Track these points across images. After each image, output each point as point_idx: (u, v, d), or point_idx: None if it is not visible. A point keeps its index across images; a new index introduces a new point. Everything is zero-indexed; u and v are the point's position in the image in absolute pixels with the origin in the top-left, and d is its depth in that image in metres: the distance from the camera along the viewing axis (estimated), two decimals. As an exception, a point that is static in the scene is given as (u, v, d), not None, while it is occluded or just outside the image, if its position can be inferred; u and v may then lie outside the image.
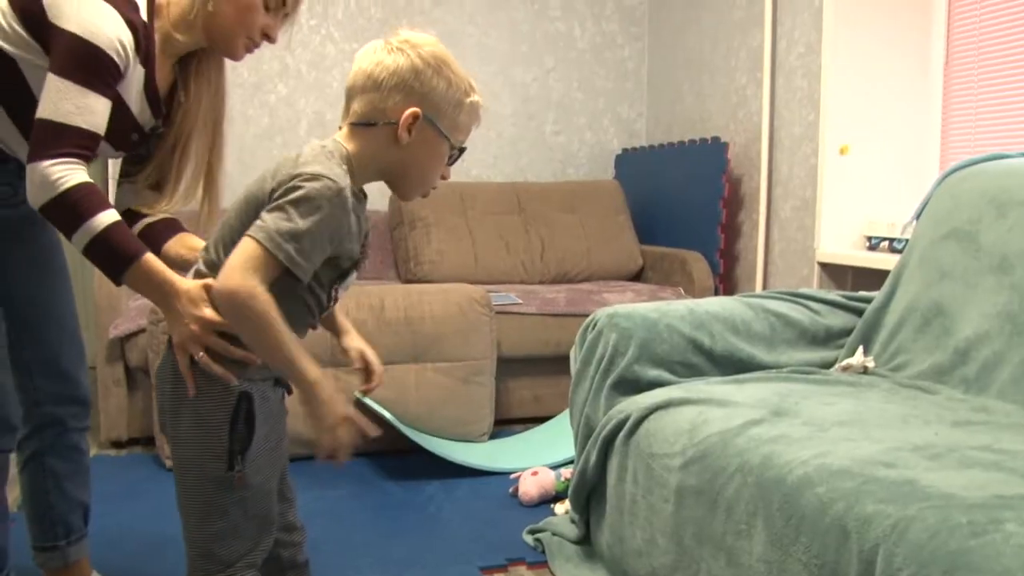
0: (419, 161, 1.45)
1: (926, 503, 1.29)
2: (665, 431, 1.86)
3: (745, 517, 1.57)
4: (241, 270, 1.28)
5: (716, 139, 3.97)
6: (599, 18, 4.83)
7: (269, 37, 1.65)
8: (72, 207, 1.42)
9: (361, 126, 1.41)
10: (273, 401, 1.47)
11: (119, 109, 1.57)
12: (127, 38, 1.51)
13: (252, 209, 1.36)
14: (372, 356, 1.61)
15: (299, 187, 1.30)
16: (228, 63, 1.76)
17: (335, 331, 1.64)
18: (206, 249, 1.44)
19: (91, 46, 1.46)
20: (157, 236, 1.69)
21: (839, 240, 3.41)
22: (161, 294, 1.44)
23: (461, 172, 4.64)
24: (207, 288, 1.38)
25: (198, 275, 1.43)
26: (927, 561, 1.18)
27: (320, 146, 1.39)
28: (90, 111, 1.47)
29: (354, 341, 1.63)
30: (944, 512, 1.24)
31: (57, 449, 1.88)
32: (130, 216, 1.72)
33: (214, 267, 1.39)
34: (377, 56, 1.40)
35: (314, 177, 1.31)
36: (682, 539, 1.75)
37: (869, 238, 3.33)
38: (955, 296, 2.16)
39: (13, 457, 1.80)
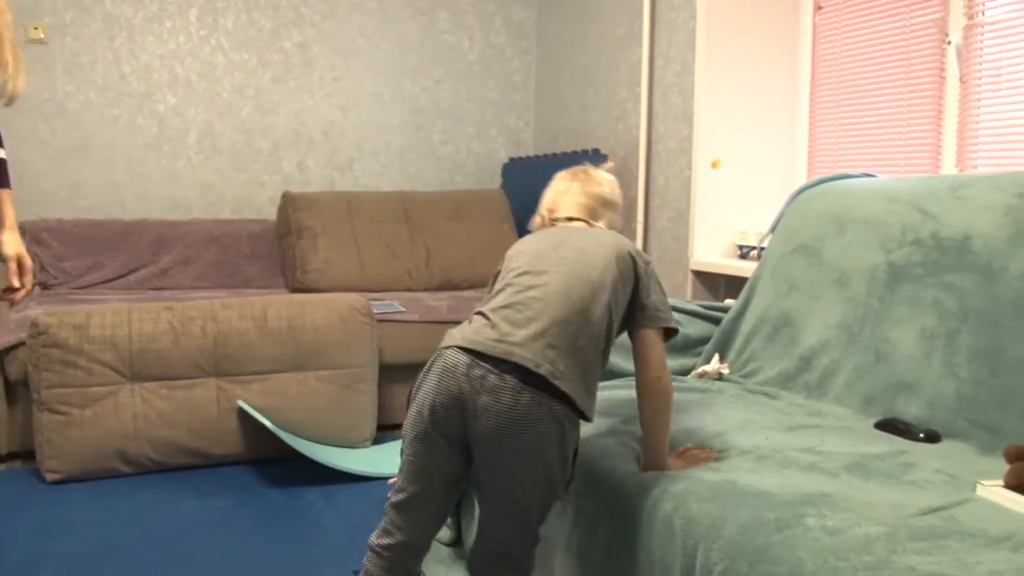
0: None
1: (742, 501, 1.41)
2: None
3: (589, 520, 1.67)
4: (664, 366, 1.65)
5: (596, 151, 4.10)
6: (488, 31, 4.92)
7: None
8: None
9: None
10: None
11: None
12: None
13: (621, 285, 1.66)
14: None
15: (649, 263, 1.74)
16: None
17: None
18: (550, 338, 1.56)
19: None
20: None
21: (712, 249, 3.57)
22: None
23: (349, 181, 4.67)
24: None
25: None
26: (737, 555, 1.30)
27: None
28: None
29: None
30: (756, 510, 1.36)
31: None
32: None
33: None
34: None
35: None
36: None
37: (740, 247, 3.50)
38: (801, 307, 2.32)
39: None
